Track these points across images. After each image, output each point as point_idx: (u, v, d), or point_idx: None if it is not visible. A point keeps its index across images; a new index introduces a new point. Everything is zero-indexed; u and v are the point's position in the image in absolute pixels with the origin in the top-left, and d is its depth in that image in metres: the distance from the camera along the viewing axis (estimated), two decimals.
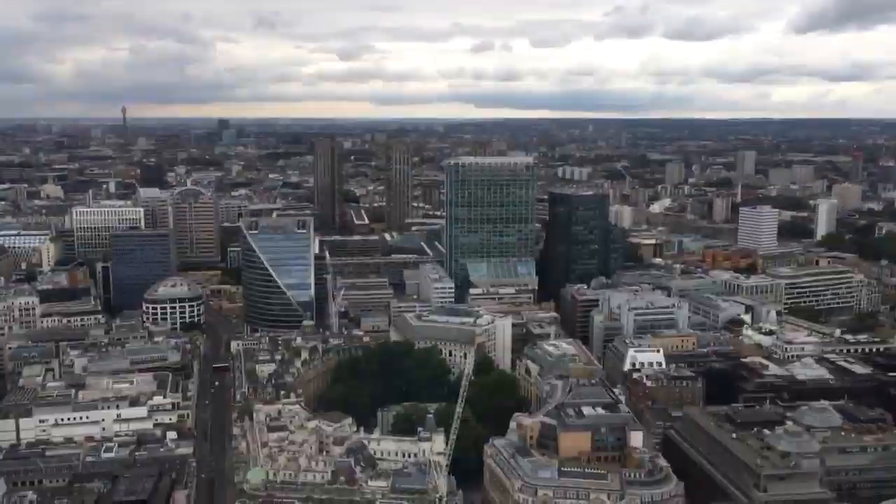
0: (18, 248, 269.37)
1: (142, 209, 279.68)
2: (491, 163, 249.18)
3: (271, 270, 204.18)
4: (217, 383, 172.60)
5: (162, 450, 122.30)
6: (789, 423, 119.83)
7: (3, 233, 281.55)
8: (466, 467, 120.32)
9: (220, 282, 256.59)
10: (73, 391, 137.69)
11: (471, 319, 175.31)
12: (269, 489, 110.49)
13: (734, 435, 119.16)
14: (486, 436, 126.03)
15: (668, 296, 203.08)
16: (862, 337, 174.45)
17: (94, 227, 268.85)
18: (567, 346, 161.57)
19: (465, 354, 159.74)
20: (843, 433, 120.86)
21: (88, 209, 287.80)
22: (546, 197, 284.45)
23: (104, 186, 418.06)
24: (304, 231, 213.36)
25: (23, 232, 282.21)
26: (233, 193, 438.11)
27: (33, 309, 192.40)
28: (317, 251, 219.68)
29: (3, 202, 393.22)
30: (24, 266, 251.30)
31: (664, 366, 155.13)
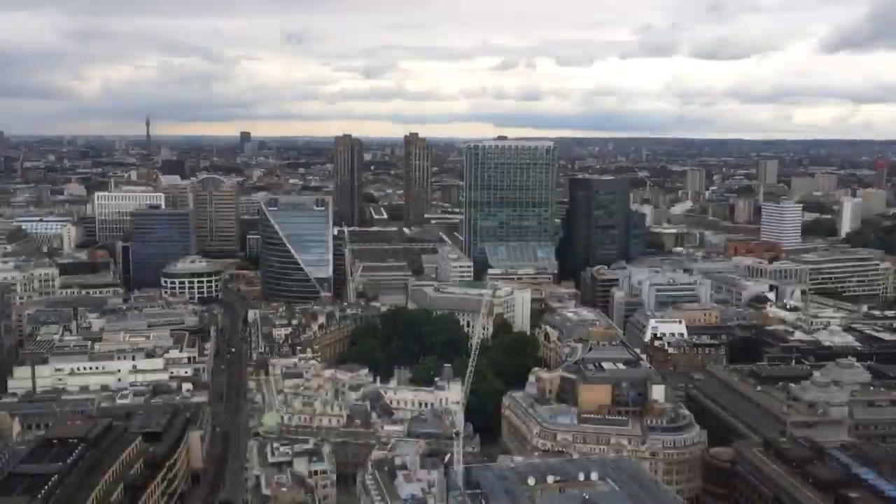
0: (41, 233, 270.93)
1: (162, 194, 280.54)
2: (511, 146, 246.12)
3: (290, 247, 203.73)
4: (234, 349, 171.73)
5: (177, 398, 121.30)
6: (816, 374, 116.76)
7: (25, 218, 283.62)
8: (484, 421, 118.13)
9: (239, 268, 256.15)
10: (90, 343, 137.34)
11: (489, 291, 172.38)
12: (283, 432, 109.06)
13: (759, 388, 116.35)
14: (505, 391, 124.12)
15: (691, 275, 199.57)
16: (890, 313, 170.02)
17: (116, 212, 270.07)
18: (587, 313, 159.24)
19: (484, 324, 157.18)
20: (871, 388, 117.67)
21: (110, 193, 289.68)
22: (565, 200, 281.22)
23: (126, 175, 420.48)
24: (323, 209, 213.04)
25: (45, 218, 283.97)
26: (252, 196, 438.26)
27: (53, 280, 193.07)
28: (335, 234, 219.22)
29: (27, 195, 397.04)
30: (45, 249, 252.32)
31: (686, 336, 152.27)
